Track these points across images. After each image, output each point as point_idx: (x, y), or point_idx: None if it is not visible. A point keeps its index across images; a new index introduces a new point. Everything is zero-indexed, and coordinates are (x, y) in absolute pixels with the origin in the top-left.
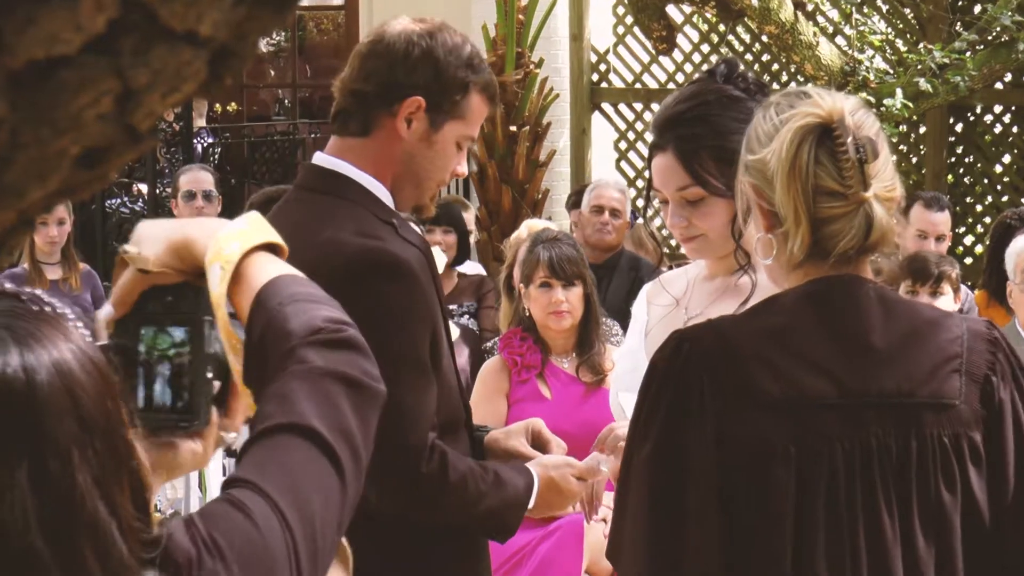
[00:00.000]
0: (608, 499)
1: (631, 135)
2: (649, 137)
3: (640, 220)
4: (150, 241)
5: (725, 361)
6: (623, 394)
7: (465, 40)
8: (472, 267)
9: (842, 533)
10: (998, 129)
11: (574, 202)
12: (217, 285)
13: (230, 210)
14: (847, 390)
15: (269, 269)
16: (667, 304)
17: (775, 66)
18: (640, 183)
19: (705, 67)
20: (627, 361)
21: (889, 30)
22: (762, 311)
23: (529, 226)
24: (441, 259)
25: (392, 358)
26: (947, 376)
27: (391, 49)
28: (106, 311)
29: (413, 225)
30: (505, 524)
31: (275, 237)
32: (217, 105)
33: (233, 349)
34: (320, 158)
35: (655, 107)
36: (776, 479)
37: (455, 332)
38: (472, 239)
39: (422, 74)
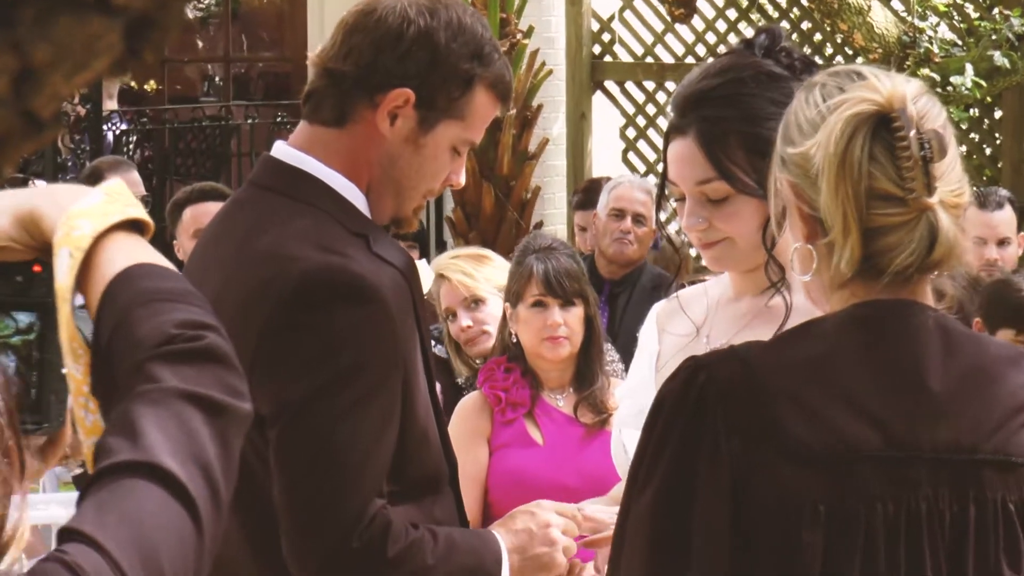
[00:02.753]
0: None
1: (641, 120)
2: (663, 123)
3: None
4: None
5: (748, 397)
6: (627, 431)
7: (476, 19)
8: None
9: None
10: None
11: (580, 201)
12: (64, 275)
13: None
14: (894, 440)
15: (124, 256)
16: (684, 332)
17: (817, 36)
18: (652, 180)
19: (732, 38)
20: (633, 402)
21: None
22: (796, 338)
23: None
24: (428, 277)
25: (344, 401)
26: (1018, 429)
27: (381, 24)
28: None
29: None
30: None
31: (138, 211)
32: (132, 83)
33: (73, 353)
34: (281, 149)
35: (671, 86)
36: (801, 544)
37: None
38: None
39: (415, 61)
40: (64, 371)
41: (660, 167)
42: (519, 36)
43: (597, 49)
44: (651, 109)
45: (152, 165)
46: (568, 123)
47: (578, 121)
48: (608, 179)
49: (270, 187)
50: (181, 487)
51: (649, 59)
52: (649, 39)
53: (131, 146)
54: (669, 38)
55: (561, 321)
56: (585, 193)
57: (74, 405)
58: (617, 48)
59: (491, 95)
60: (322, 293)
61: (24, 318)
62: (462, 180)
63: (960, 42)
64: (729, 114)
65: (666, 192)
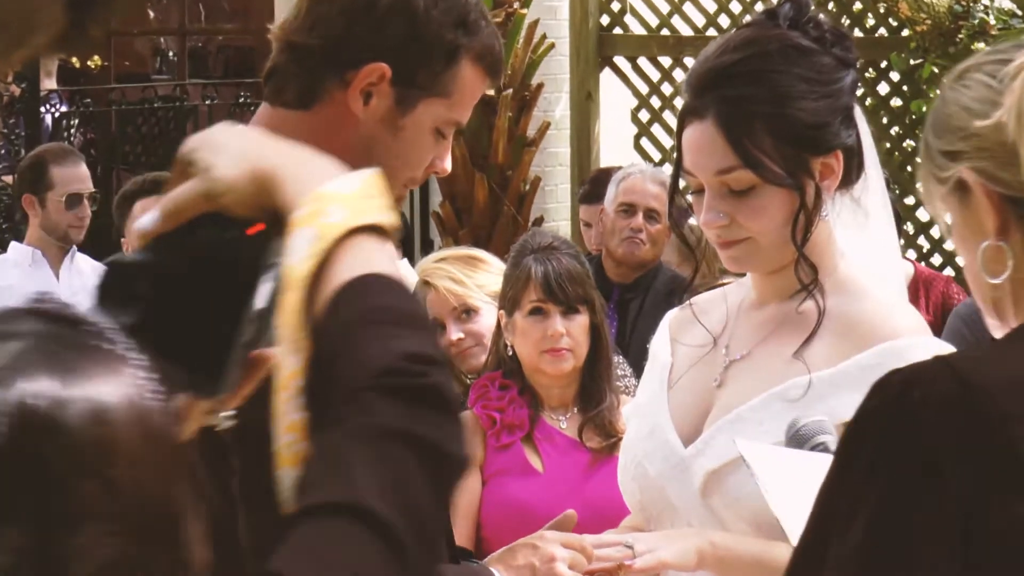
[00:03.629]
0: None
1: (655, 101)
2: (680, 104)
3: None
4: (229, 156)
5: (976, 418)
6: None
7: None
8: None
9: None
10: None
11: (586, 194)
12: (303, 259)
13: (93, 211)
14: None
15: (363, 260)
16: (698, 343)
17: (857, 5)
18: (668, 170)
19: (759, 7)
20: (641, 421)
21: None
22: (1013, 351)
23: None
24: (411, 278)
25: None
26: None
27: None
28: (149, 219)
29: None
30: None
31: (391, 217)
32: (74, 60)
33: (294, 344)
34: None
35: (689, 63)
36: None
37: None
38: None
39: (391, 32)
40: (258, 352)
41: (677, 155)
42: (516, 5)
43: (605, 20)
44: (667, 89)
45: (96, 152)
46: (572, 105)
47: (583, 102)
48: (618, 169)
49: None
50: (392, 534)
51: (665, 31)
52: (665, 9)
53: (72, 130)
54: (688, 7)
55: (563, 331)
56: (592, 185)
57: (279, 400)
58: (628, 19)
59: (478, 69)
60: None
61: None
62: (447, 166)
63: (1020, 12)
64: (754, 93)
65: (680, 184)
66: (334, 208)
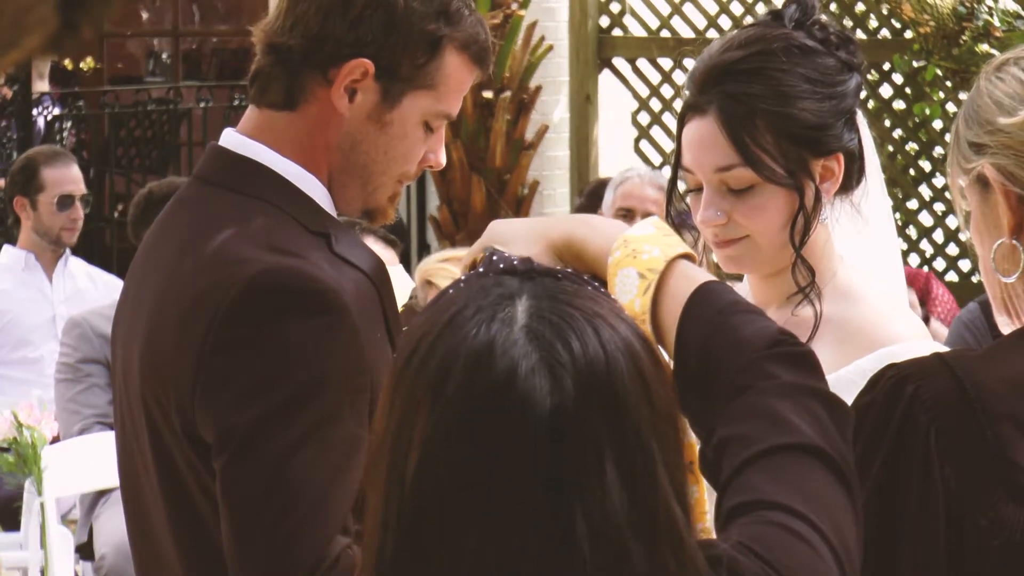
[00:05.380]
0: None
1: (655, 104)
2: (680, 106)
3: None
4: (520, 241)
5: (965, 418)
6: None
7: None
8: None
9: None
10: None
11: (581, 207)
12: (638, 294)
13: (87, 215)
14: None
15: (690, 279)
16: None
17: (860, 6)
18: (669, 172)
19: (760, 8)
20: None
21: None
22: (1013, 351)
23: (423, 270)
24: (406, 286)
25: (300, 427)
26: None
27: None
28: None
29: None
30: None
31: (685, 246)
32: (67, 62)
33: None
34: (230, 138)
35: (690, 64)
36: None
37: None
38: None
39: (370, 26)
40: None
41: (676, 155)
42: (514, 6)
43: (605, 22)
44: (667, 91)
45: (89, 155)
46: (571, 107)
47: (582, 105)
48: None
49: (217, 182)
50: (838, 467)
51: (665, 33)
52: (665, 10)
53: (65, 133)
54: (688, 8)
55: None
56: (588, 198)
57: None
58: (628, 20)
59: (464, 58)
60: (272, 300)
61: None
62: (442, 159)
63: None
64: (756, 91)
65: (679, 183)
66: (648, 247)
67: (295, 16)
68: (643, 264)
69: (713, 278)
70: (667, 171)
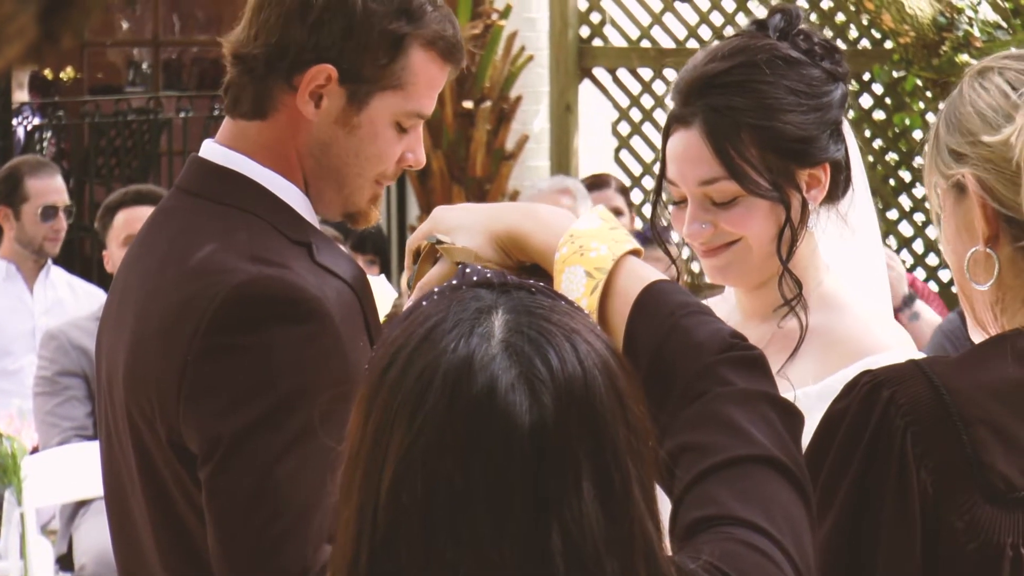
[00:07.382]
0: None
1: (636, 114)
2: (661, 117)
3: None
4: (464, 231)
5: (941, 423)
6: None
7: None
8: None
9: None
10: None
11: None
12: (586, 293)
13: (69, 225)
14: None
15: (638, 277)
16: None
17: (840, 16)
18: (649, 182)
19: (741, 18)
20: None
21: None
22: (990, 357)
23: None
24: (388, 295)
25: (285, 435)
26: None
27: None
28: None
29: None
30: None
31: (635, 242)
32: (47, 71)
33: None
34: (209, 149)
35: (670, 75)
36: None
37: None
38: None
39: (329, 30)
40: None
41: (659, 167)
42: (495, 16)
43: (585, 32)
44: (647, 101)
45: (69, 165)
46: (551, 117)
47: (563, 115)
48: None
49: (197, 192)
50: (798, 481)
51: (645, 43)
52: (645, 20)
53: (45, 142)
54: (668, 18)
55: None
56: None
57: None
58: (608, 30)
59: (431, 54)
60: (256, 309)
61: None
62: (421, 158)
63: (1005, 24)
64: (741, 103)
65: (663, 195)
66: (596, 244)
67: (258, 25)
68: (590, 262)
69: (662, 276)
70: (648, 182)
